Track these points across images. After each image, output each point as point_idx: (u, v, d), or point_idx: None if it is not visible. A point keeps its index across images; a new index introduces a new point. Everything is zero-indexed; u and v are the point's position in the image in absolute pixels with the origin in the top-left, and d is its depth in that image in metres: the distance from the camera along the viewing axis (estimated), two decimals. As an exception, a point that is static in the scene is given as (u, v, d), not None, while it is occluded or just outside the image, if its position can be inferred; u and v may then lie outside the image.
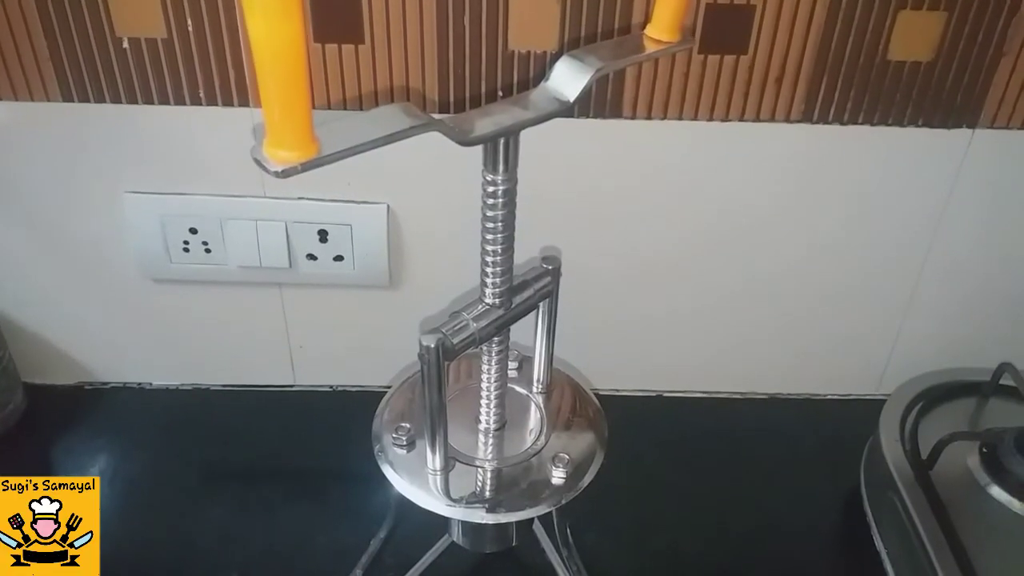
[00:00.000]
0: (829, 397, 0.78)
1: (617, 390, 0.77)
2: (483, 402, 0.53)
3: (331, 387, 0.77)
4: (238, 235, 0.65)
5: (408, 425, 0.51)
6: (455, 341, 0.45)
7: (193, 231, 0.65)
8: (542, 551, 0.61)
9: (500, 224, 0.45)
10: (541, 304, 0.51)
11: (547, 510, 0.49)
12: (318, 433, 0.73)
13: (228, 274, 0.68)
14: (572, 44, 0.58)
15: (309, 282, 0.69)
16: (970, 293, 0.71)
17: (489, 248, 0.46)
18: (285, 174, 0.33)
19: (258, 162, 0.33)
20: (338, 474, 0.69)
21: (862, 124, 0.62)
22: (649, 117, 0.61)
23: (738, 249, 0.68)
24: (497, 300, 0.47)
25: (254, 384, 0.76)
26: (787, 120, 0.61)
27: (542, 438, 0.53)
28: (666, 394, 0.77)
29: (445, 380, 0.46)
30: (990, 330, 0.73)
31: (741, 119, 0.61)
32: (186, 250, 0.66)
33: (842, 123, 0.62)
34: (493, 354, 0.50)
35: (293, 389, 0.77)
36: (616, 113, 0.61)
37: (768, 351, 0.75)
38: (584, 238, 0.67)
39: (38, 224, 0.67)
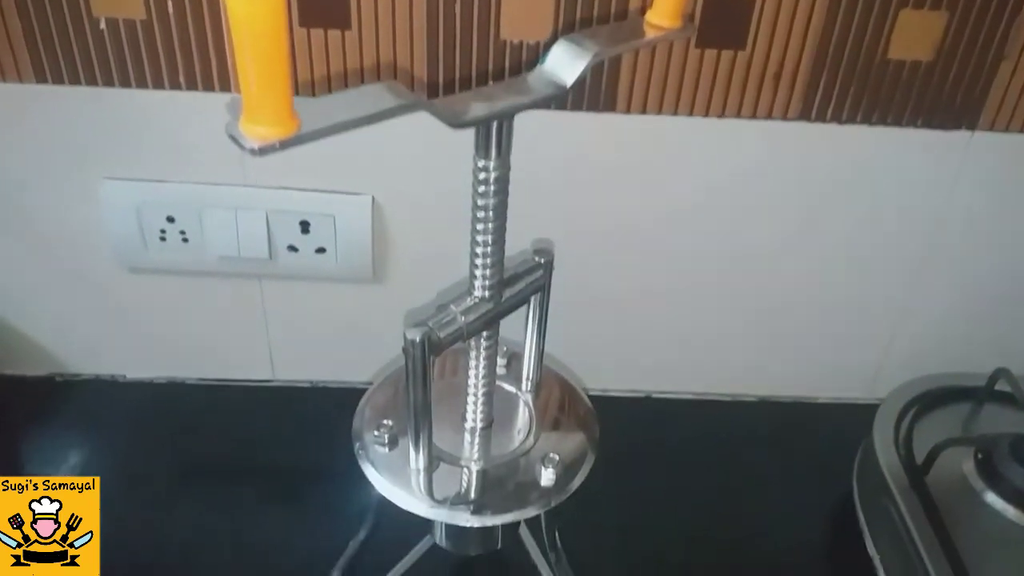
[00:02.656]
0: (821, 400, 0.77)
1: (606, 390, 0.75)
2: (469, 399, 0.51)
3: (311, 382, 0.75)
4: (217, 224, 0.63)
5: (390, 422, 0.49)
6: (442, 335, 0.43)
7: (171, 219, 0.63)
8: (528, 554, 0.59)
9: (491, 213, 0.43)
10: (532, 298, 0.49)
11: (536, 513, 0.48)
12: (297, 430, 0.71)
13: (206, 264, 0.66)
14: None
15: (290, 274, 0.67)
16: (967, 296, 0.70)
17: (479, 239, 0.44)
18: (262, 152, 0.31)
19: (234, 139, 0.31)
20: (317, 472, 0.66)
21: (860, 123, 0.61)
22: (644, 111, 0.60)
23: (732, 248, 0.67)
24: (487, 293, 0.46)
25: (231, 378, 0.74)
26: (784, 118, 0.60)
27: (531, 438, 0.51)
28: (655, 395, 0.76)
29: (430, 376, 0.45)
30: (987, 333, 0.72)
31: (737, 116, 0.60)
32: (163, 239, 0.64)
33: (840, 122, 0.60)
34: (481, 349, 0.48)
35: (272, 384, 0.75)
36: (610, 107, 0.59)
37: (760, 352, 0.74)
38: (576, 232, 0.65)
39: (10, 210, 0.64)
